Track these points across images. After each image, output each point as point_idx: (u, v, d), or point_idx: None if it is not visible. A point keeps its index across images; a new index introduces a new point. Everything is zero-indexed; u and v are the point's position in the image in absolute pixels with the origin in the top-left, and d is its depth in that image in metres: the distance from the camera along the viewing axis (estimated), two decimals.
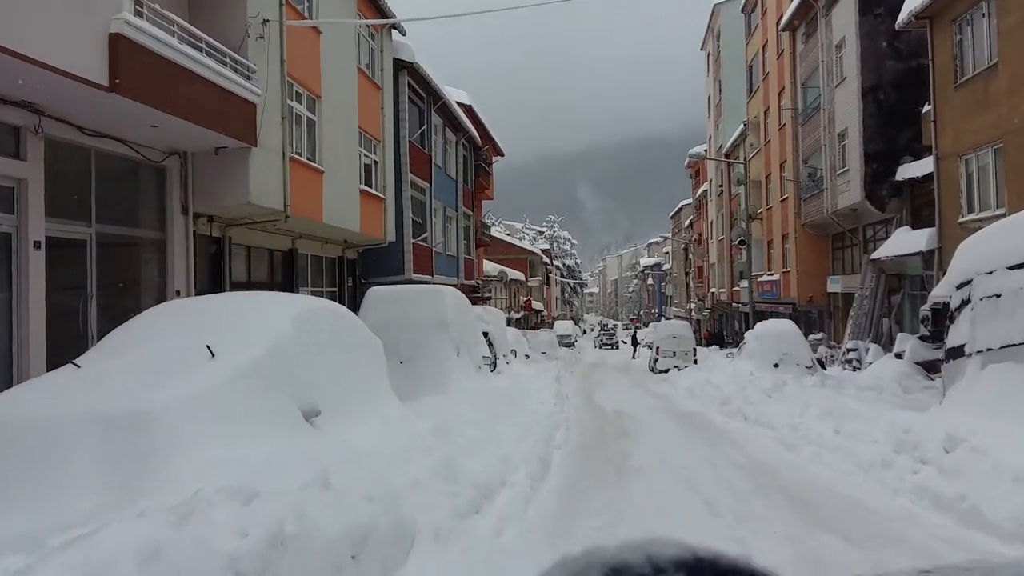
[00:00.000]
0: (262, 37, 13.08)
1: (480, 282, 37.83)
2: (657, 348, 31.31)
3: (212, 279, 13.93)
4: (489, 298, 40.08)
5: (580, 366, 34.15)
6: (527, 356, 24.97)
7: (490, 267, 44.70)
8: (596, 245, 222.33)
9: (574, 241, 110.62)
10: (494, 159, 41.77)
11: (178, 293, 12.56)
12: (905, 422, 9.69)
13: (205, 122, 11.24)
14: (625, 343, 64.01)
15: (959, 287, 11.34)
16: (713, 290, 54.65)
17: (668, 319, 65.99)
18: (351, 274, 21.23)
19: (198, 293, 13.21)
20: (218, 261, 14.11)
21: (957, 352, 11.10)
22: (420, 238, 23.25)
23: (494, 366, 17.94)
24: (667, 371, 28.49)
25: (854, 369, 22.62)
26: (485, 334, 18.30)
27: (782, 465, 9.38)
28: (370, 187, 19.51)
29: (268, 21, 13.06)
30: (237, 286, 14.81)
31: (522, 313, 60.28)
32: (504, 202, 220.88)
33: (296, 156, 14.81)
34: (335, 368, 6.77)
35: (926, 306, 17.17)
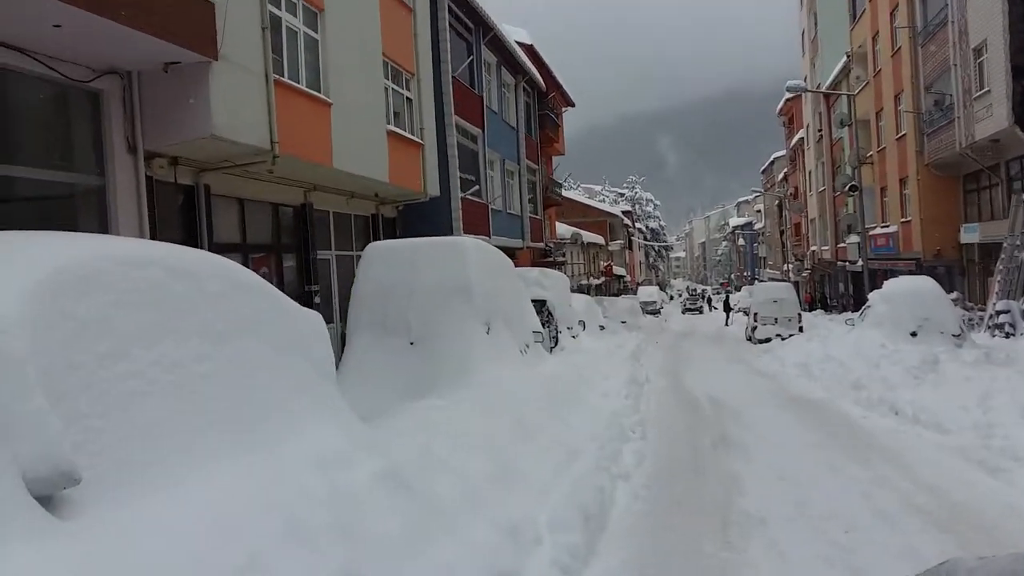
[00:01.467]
0: None
1: (551, 245, 34.29)
2: (755, 314, 27.31)
3: (184, 239, 10.96)
4: (563, 263, 36.51)
5: (666, 336, 30.30)
6: (602, 327, 21.40)
7: (563, 230, 41.03)
8: (681, 208, 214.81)
9: (657, 202, 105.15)
10: (563, 109, 37.90)
11: None
12: None
13: (129, 19, 8.09)
14: (716, 308, 59.74)
15: None
16: (814, 248, 49.35)
17: (762, 281, 61.18)
18: (390, 235, 18.07)
19: None
20: (191, 216, 11.09)
21: None
22: (471, 192, 19.86)
23: (555, 342, 14.53)
24: (768, 340, 24.77)
25: (1007, 336, 18.19)
26: (542, 303, 14.89)
27: (1005, 511, 5.61)
28: (402, 129, 16.21)
29: None
30: (223, 249, 11.81)
31: (602, 279, 56.46)
32: (581, 165, 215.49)
33: (288, 81, 11.59)
34: (184, 376, 3.51)
35: None
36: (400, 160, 15.87)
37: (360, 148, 13.91)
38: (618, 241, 64.73)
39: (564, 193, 61.80)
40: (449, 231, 19.07)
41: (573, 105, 39.45)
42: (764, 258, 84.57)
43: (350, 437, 4.64)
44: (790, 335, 24.82)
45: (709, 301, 64.89)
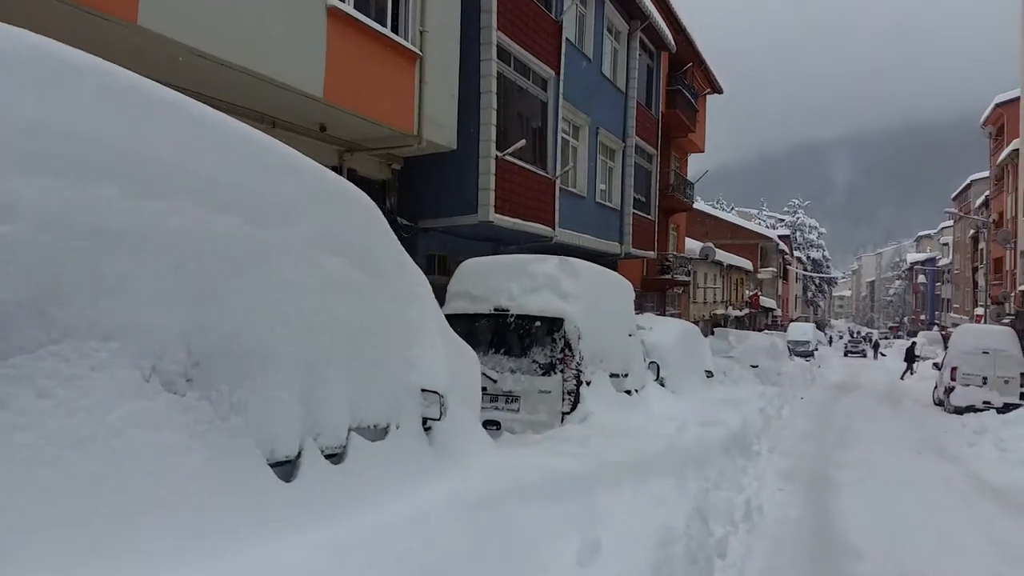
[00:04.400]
0: None
1: (672, 259, 26.78)
2: (954, 369, 18.84)
3: None
4: (687, 282, 28.81)
5: (817, 391, 21.96)
6: (709, 374, 13.86)
7: (693, 245, 33.15)
8: (849, 244, 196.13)
9: (823, 230, 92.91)
10: (706, 91, 30.29)
11: None
12: None
13: None
14: (883, 355, 49.49)
15: None
16: (1023, 288, 38.43)
17: (943, 328, 50.24)
18: (379, 204, 11.65)
19: None
20: None
21: None
22: (513, 150, 12.99)
23: (572, 405, 7.46)
24: (973, 409, 16.78)
25: None
26: (558, 323, 7.81)
27: None
28: (369, 17, 9.71)
29: None
30: None
31: (746, 311, 47.55)
32: (744, 193, 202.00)
33: None
34: None
35: None
36: (362, 69, 9.40)
37: (243, 15, 7.59)
38: (770, 268, 55.27)
39: (710, 211, 53.25)
40: (473, 209, 12.39)
41: (720, 92, 31.71)
42: (947, 300, 71.97)
43: None
44: (1012, 405, 16.39)
45: (876, 347, 54.29)
